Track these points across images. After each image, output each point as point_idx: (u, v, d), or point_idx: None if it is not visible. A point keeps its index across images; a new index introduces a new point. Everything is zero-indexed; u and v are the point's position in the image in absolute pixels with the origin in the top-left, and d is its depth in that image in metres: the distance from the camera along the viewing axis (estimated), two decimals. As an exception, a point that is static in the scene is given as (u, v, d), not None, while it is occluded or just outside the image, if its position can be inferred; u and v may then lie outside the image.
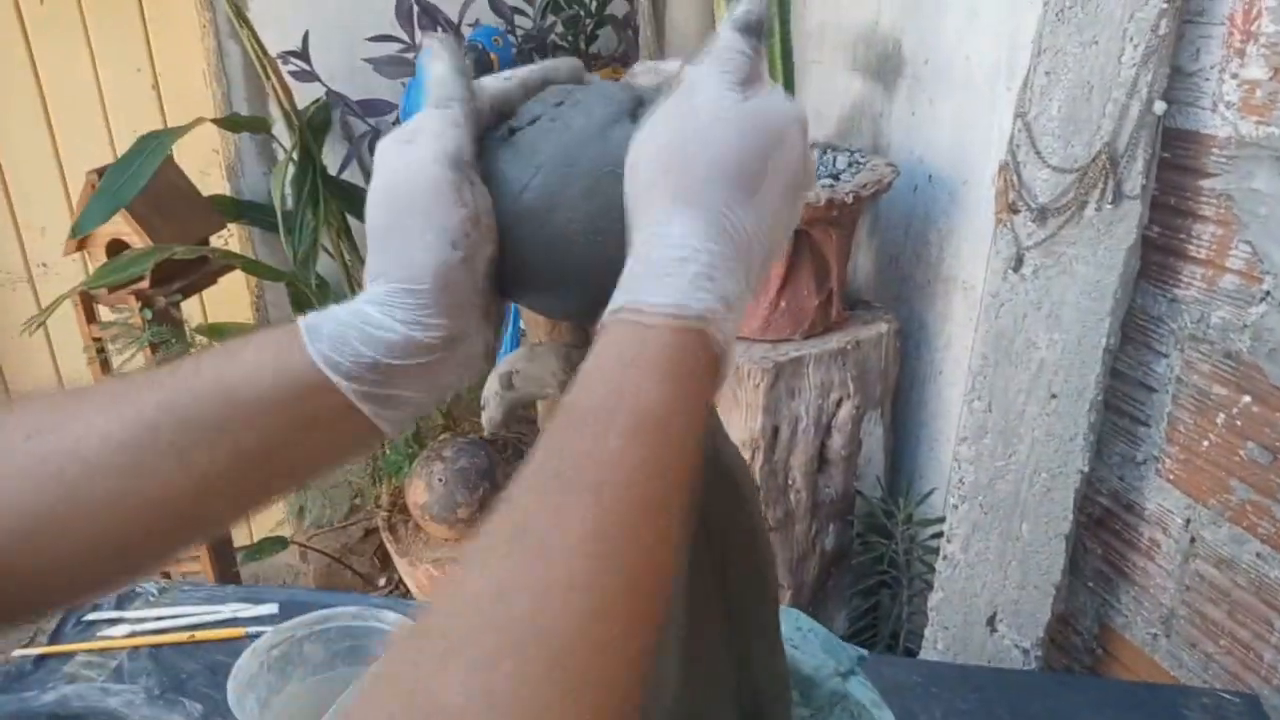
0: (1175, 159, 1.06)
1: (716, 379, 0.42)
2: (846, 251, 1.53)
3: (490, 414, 0.61)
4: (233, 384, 0.44)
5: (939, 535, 1.39)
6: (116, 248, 1.78)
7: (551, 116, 0.49)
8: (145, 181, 1.64)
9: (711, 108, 0.44)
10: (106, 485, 0.42)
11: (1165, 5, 0.99)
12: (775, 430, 1.49)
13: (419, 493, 1.98)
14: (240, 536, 2.38)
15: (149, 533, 0.44)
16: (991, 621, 1.30)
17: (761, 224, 0.44)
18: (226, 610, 1.04)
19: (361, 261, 2.14)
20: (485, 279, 0.46)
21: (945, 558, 1.35)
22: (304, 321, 0.45)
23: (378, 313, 0.44)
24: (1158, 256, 1.10)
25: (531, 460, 0.37)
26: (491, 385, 0.61)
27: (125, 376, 0.45)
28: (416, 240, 0.44)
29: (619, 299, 0.41)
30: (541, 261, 0.48)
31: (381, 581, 2.45)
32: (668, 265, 0.41)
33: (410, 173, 0.44)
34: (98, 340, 1.85)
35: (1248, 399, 1.02)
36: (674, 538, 0.38)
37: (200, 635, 1.01)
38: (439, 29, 1.92)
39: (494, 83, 0.50)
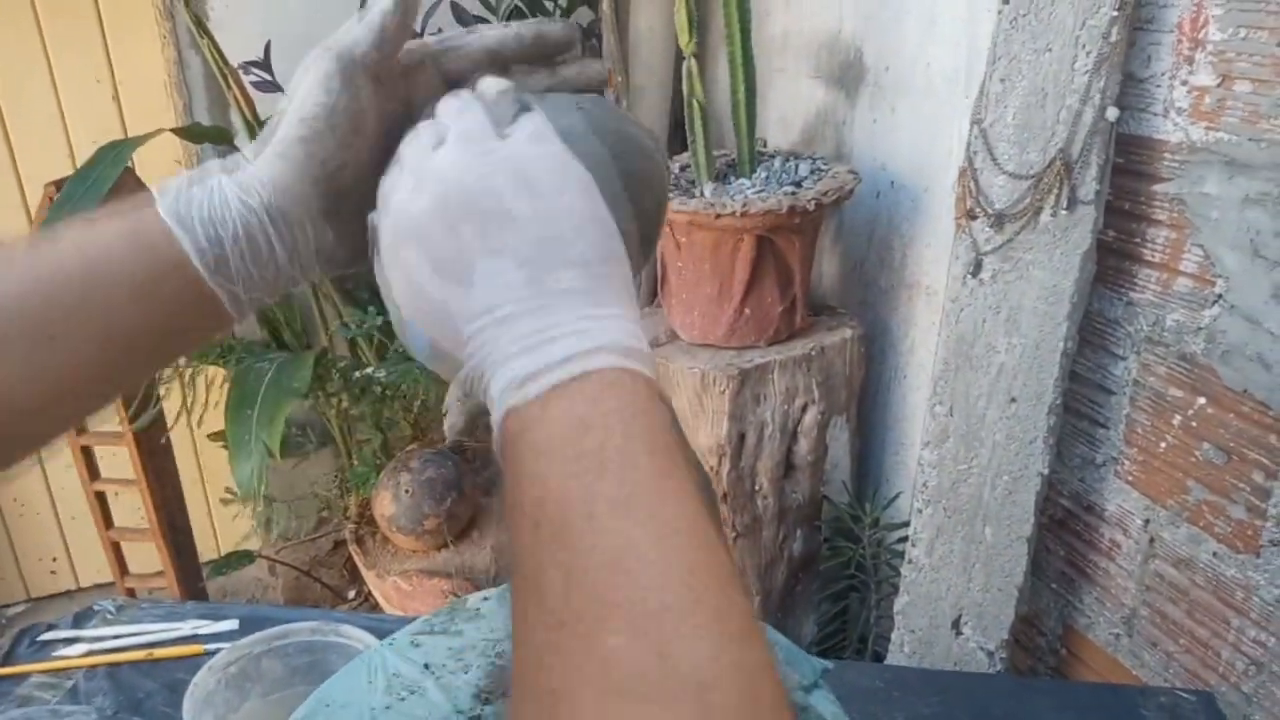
0: (1129, 164, 1.08)
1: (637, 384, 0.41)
2: (810, 258, 1.54)
3: (452, 420, 0.61)
4: (92, 256, 0.45)
5: (905, 539, 1.40)
6: (76, 260, 1.76)
7: None
8: (105, 192, 1.63)
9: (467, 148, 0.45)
10: None
11: (1116, 13, 1.01)
12: (741, 436, 1.49)
13: (385, 504, 1.97)
14: (207, 550, 2.35)
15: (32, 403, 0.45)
16: (956, 624, 1.30)
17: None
18: (186, 627, 1.03)
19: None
20: (325, 176, 0.48)
21: (910, 561, 1.36)
22: (159, 186, 0.47)
23: (225, 178, 0.47)
24: (1113, 260, 1.12)
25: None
26: (453, 392, 0.60)
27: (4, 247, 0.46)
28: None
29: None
30: None
31: (351, 594, 2.43)
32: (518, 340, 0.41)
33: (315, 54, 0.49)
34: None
35: (1202, 400, 1.03)
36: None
37: (159, 653, 0.99)
38: (402, 38, 1.92)
39: (492, 31, 0.53)
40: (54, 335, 0.44)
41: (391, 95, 0.51)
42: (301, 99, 0.47)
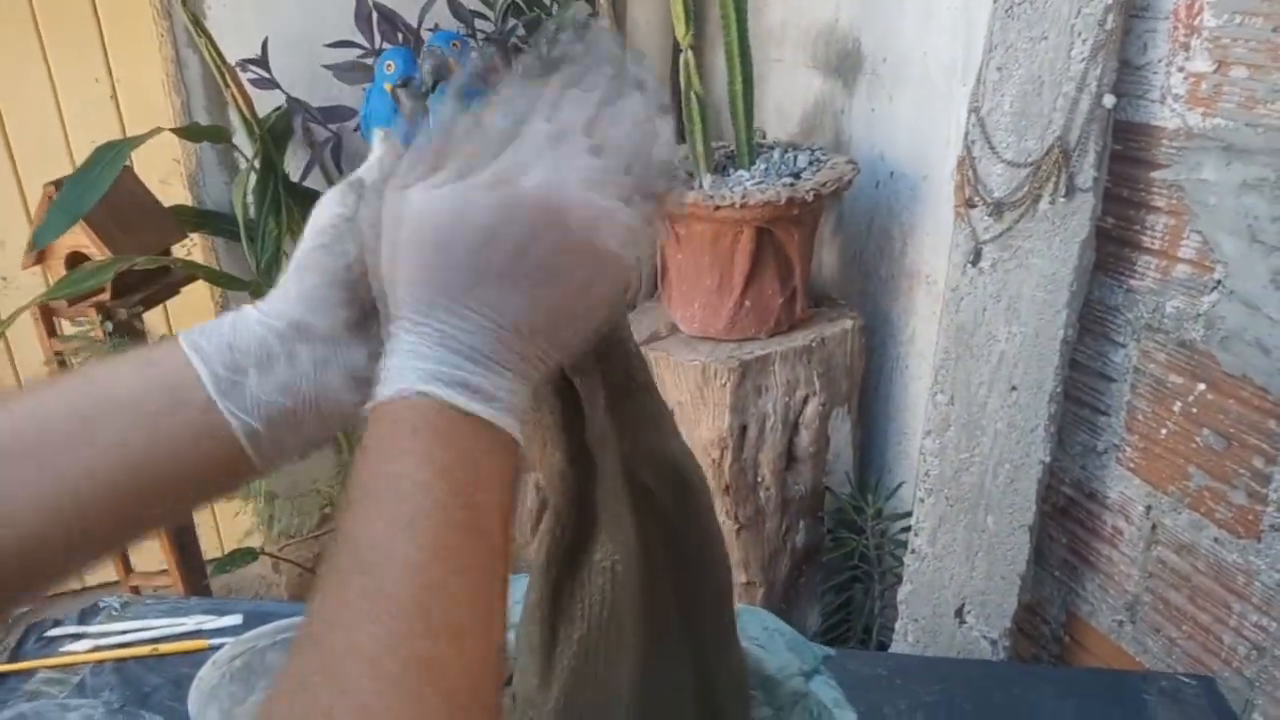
0: (1126, 151, 1.08)
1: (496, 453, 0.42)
2: (810, 249, 1.54)
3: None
4: (97, 379, 0.45)
5: (908, 529, 1.40)
6: (76, 260, 1.76)
7: None
8: (103, 192, 1.63)
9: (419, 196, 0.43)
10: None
11: (1112, 0, 1.01)
12: (743, 429, 1.49)
13: (390, 500, 1.97)
14: (210, 548, 2.36)
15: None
16: (960, 613, 1.31)
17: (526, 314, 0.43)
18: (190, 622, 1.03)
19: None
20: (349, 282, 0.47)
21: (913, 551, 1.36)
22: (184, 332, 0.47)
23: (250, 307, 0.47)
24: (1112, 248, 1.12)
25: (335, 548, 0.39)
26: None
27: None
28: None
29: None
30: None
31: (355, 590, 2.43)
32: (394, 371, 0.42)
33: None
34: (59, 354, 1.83)
35: (1202, 387, 1.04)
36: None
37: (164, 648, 1.00)
38: (399, 34, 1.92)
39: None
40: (45, 460, 0.42)
41: None
42: (316, 216, 0.48)
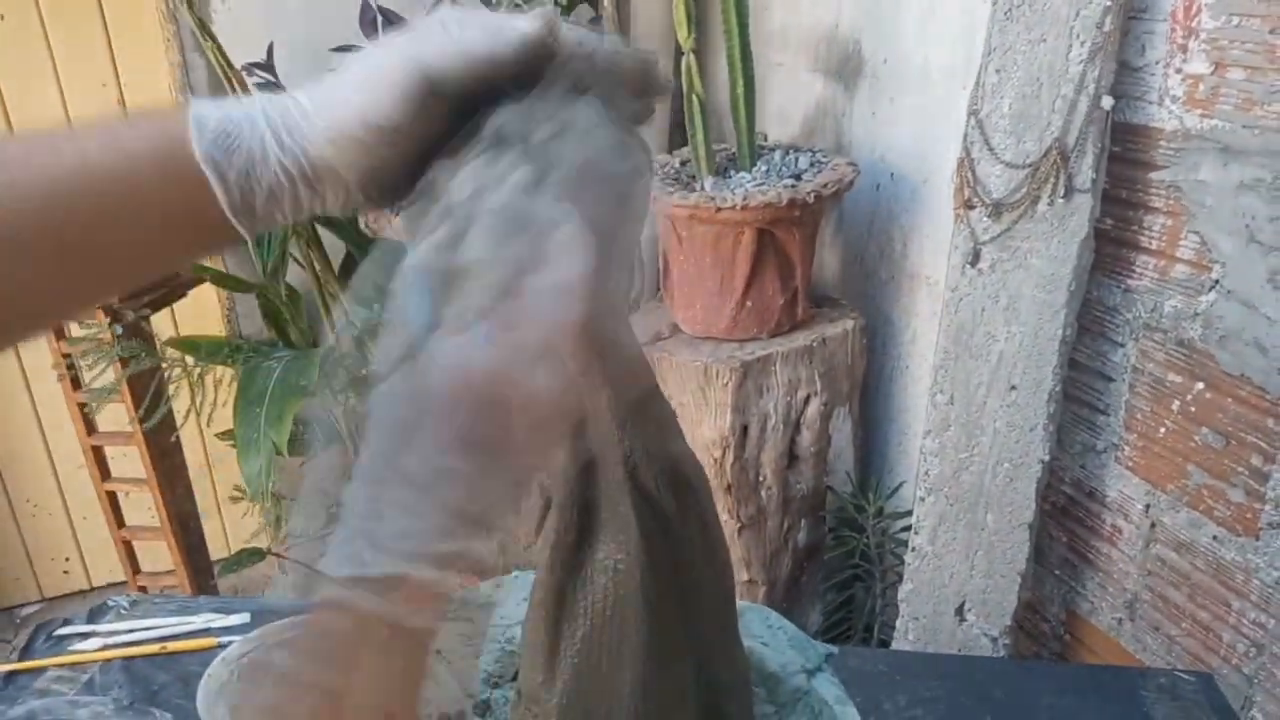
0: (1125, 152, 1.09)
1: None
2: (811, 250, 1.55)
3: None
4: (115, 174, 0.44)
5: (909, 528, 1.41)
6: (84, 263, 1.78)
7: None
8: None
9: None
10: None
11: (1110, 3, 1.01)
12: (745, 428, 1.50)
13: (395, 500, 1.98)
14: (217, 549, 2.37)
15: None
16: (960, 611, 1.31)
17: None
18: (199, 621, 1.05)
19: (333, 272, 2.14)
20: (365, 169, 0.45)
21: (914, 549, 1.37)
22: (195, 113, 0.44)
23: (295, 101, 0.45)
24: (1111, 248, 1.13)
25: None
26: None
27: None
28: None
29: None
30: None
31: (361, 590, 2.44)
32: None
33: None
34: (67, 357, 1.84)
35: (1200, 385, 1.04)
36: None
37: (172, 646, 1.01)
38: (403, 38, 1.93)
39: (626, 54, 0.49)
40: (69, 247, 0.43)
41: (458, 106, 0.47)
42: (375, 101, 0.44)
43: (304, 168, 0.45)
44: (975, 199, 1.18)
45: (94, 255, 0.45)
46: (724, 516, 1.52)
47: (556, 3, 2.10)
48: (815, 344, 1.52)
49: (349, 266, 2.21)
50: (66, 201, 0.43)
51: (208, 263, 2.20)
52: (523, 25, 0.45)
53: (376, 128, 0.44)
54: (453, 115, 0.46)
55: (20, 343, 0.47)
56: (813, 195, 1.40)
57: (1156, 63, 1.04)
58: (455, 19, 0.46)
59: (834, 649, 0.91)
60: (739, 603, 0.69)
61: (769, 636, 0.86)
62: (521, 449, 0.42)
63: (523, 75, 0.46)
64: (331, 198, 0.46)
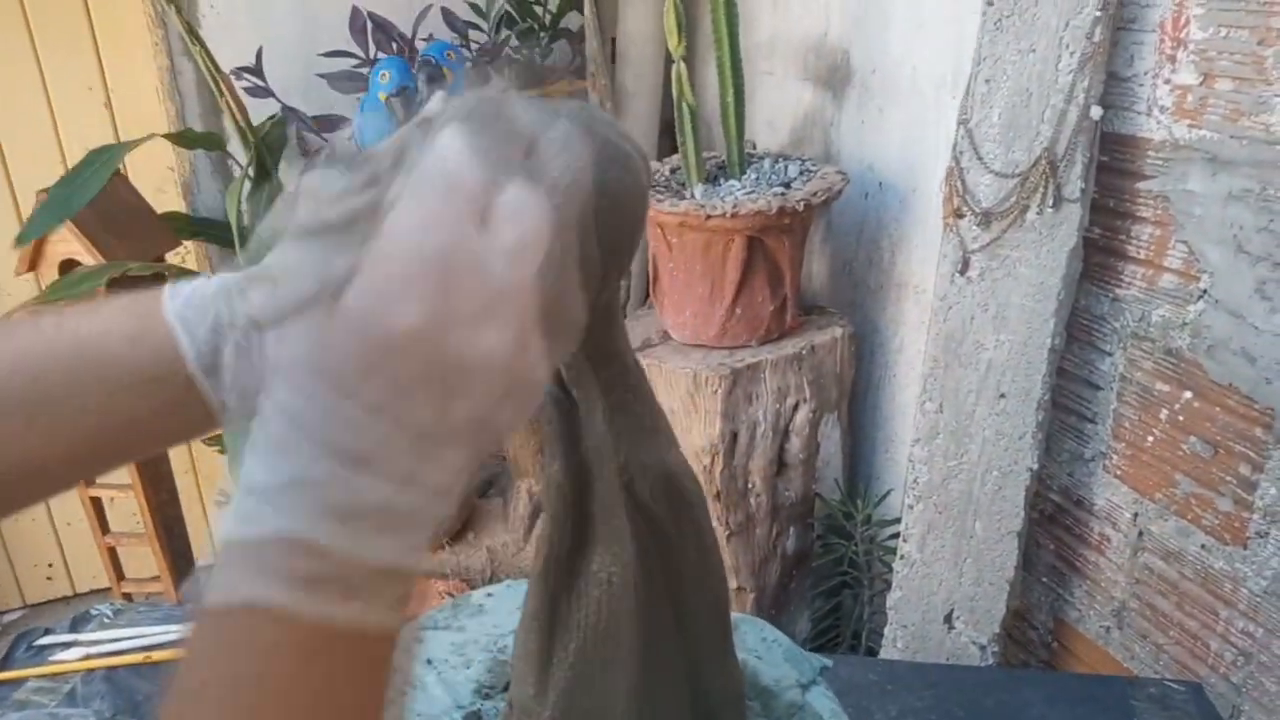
0: (1113, 162, 1.09)
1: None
2: (800, 258, 1.55)
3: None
4: (85, 338, 0.44)
5: (897, 535, 1.41)
6: (69, 268, 1.76)
7: None
8: (94, 194, 1.63)
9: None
10: None
11: (1099, 13, 1.02)
12: (734, 435, 1.50)
13: (382, 507, 1.97)
14: (203, 555, 2.35)
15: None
16: (949, 619, 1.31)
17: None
18: (184, 629, 1.03)
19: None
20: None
21: (902, 557, 1.37)
22: (170, 286, 0.45)
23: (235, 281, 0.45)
24: (1099, 257, 1.13)
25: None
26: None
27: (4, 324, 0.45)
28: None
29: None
30: None
31: (347, 598, 2.43)
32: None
33: None
34: (51, 361, 1.82)
35: (1189, 394, 1.05)
36: None
37: (157, 656, 1.00)
38: (393, 44, 1.92)
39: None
40: (33, 415, 0.43)
41: None
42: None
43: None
44: (964, 208, 1.18)
45: (62, 415, 0.44)
46: (713, 523, 1.52)
47: (546, 10, 2.10)
48: (804, 352, 1.52)
49: (336, 272, 2.20)
50: (37, 362, 0.43)
51: (194, 266, 2.19)
52: None
53: (309, 298, 0.43)
54: None
55: (17, 510, 0.47)
56: (802, 203, 1.41)
57: (1145, 73, 1.04)
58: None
59: (828, 662, 0.91)
60: (734, 615, 0.69)
61: (764, 650, 0.86)
62: (463, 414, 0.35)
63: None
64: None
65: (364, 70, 1.93)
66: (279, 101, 1.99)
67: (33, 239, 1.67)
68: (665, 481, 0.56)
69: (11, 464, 0.44)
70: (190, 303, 0.44)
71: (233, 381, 0.44)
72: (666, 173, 1.62)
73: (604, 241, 0.48)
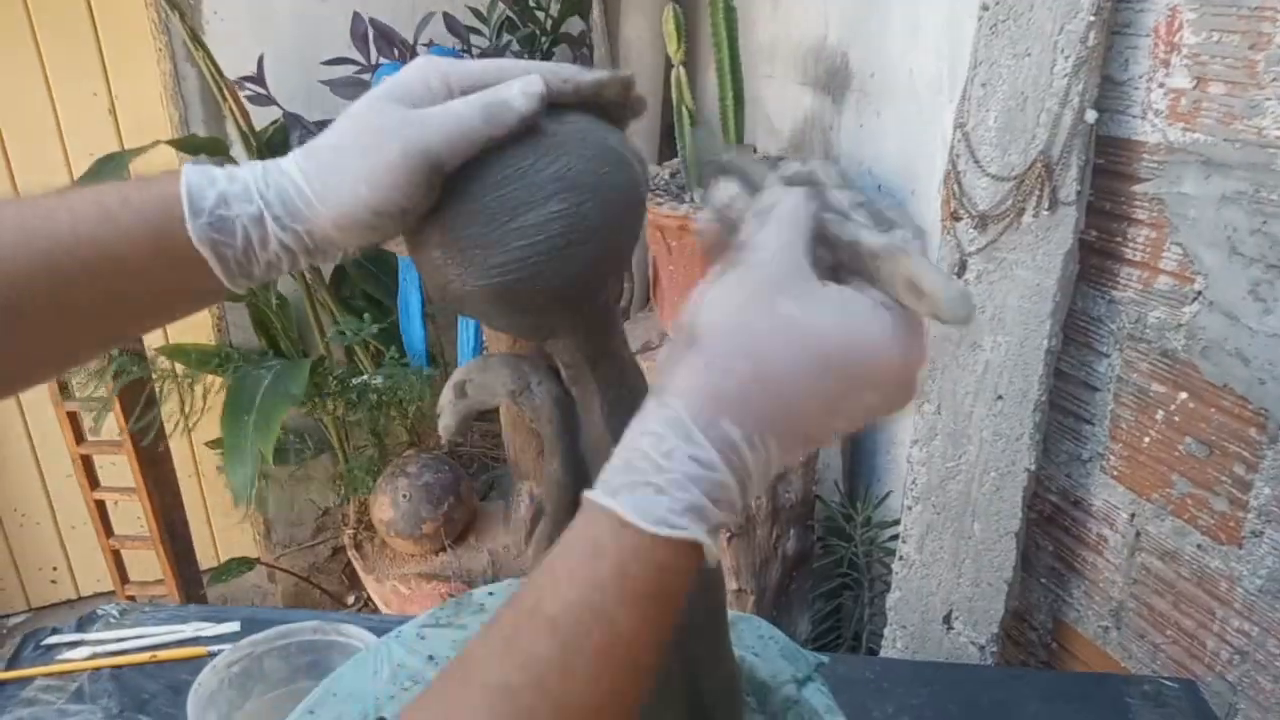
0: (1109, 165, 1.10)
1: (692, 577, 0.41)
2: (800, 261, 1.55)
3: (445, 422, 0.63)
4: (105, 252, 0.45)
5: (897, 537, 1.42)
6: (74, 272, 1.77)
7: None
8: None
9: (783, 304, 0.41)
10: None
11: (1094, 18, 1.03)
12: (734, 438, 1.51)
13: (384, 509, 1.98)
14: (206, 558, 2.36)
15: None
16: (948, 619, 1.32)
17: (789, 447, 0.42)
18: (188, 630, 1.05)
19: (323, 282, 2.15)
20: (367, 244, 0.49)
21: (901, 558, 1.38)
22: (188, 188, 0.46)
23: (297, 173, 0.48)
24: (1095, 259, 1.14)
25: (495, 641, 0.40)
26: (446, 395, 0.62)
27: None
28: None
29: (600, 495, 0.41)
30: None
31: (350, 599, 2.44)
32: (651, 472, 0.40)
33: None
34: (56, 365, 1.83)
35: (1184, 396, 1.06)
36: None
37: (162, 655, 1.01)
38: (394, 50, 1.94)
39: (591, 76, 0.52)
40: (66, 310, 0.45)
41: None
42: (384, 191, 0.46)
43: (307, 246, 0.47)
44: (961, 211, 1.19)
45: (90, 317, 0.46)
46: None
47: (548, 15, 2.11)
48: (804, 354, 1.53)
49: (339, 276, 2.22)
50: (64, 274, 0.44)
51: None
52: (518, 105, 0.47)
53: (386, 214, 0.46)
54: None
55: (25, 389, 0.49)
56: (801, 206, 1.41)
57: (1140, 77, 1.05)
58: (457, 100, 0.48)
59: (825, 659, 0.91)
60: (730, 613, 0.69)
61: (760, 647, 0.87)
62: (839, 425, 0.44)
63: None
64: (331, 259, 0.49)
65: (366, 76, 1.94)
66: (281, 108, 2.01)
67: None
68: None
69: (46, 353, 0.47)
70: (216, 225, 0.45)
71: (260, 279, 0.48)
72: (666, 176, 1.63)
73: (603, 243, 0.49)
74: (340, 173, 0.46)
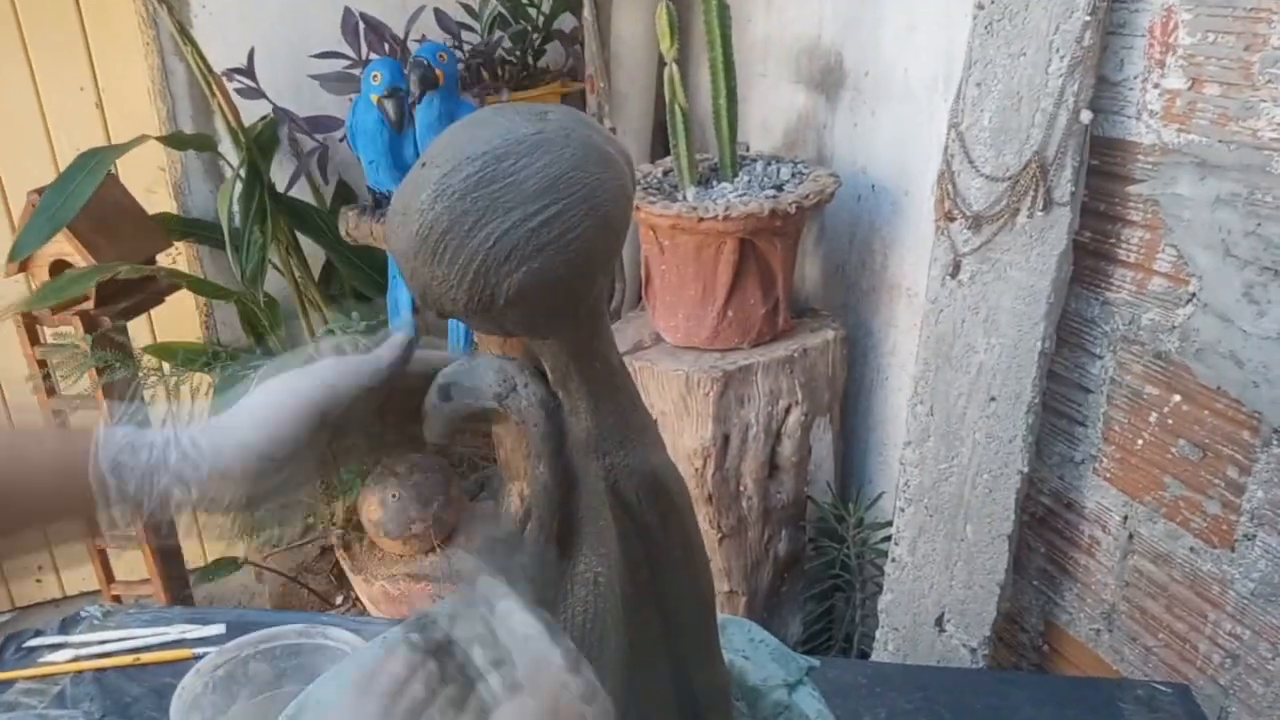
0: (1103, 166, 1.09)
1: None
2: (792, 260, 1.55)
3: (430, 425, 0.62)
4: (13, 479, 0.51)
5: (889, 538, 1.41)
6: (60, 269, 1.76)
7: None
8: (84, 200, 1.63)
9: None
10: None
11: (1089, 18, 1.02)
12: (726, 438, 1.50)
13: (373, 509, 1.97)
14: (193, 557, 2.35)
15: None
16: (940, 622, 1.32)
17: None
18: (173, 632, 1.03)
19: (312, 279, 2.13)
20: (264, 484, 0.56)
21: (893, 560, 1.37)
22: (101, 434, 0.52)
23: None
24: (1089, 261, 1.13)
25: None
26: (430, 398, 0.61)
27: None
28: None
29: None
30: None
31: (338, 600, 2.43)
32: None
33: None
34: (41, 363, 1.82)
35: (1178, 398, 1.05)
36: None
37: (146, 658, 0.99)
38: (385, 45, 1.92)
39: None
40: None
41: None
42: (276, 430, 0.54)
43: (198, 485, 0.54)
44: (955, 211, 1.19)
45: None
46: (705, 526, 1.52)
47: (540, 12, 2.10)
48: (796, 354, 1.52)
49: (328, 274, 2.20)
50: None
51: (185, 267, 2.19)
52: (384, 358, 0.59)
53: (274, 455, 0.54)
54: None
55: None
56: (794, 206, 1.41)
57: (1135, 78, 1.05)
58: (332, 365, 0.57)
59: (815, 662, 0.91)
60: (721, 616, 0.69)
61: (751, 650, 0.86)
62: None
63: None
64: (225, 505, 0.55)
65: (356, 71, 1.93)
66: (270, 102, 1.99)
67: (30, 252, 1.67)
68: (650, 482, 0.56)
69: None
70: (120, 458, 0.52)
71: (149, 517, 0.54)
72: (659, 175, 1.62)
73: (588, 243, 0.48)
74: (234, 431, 0.55)
